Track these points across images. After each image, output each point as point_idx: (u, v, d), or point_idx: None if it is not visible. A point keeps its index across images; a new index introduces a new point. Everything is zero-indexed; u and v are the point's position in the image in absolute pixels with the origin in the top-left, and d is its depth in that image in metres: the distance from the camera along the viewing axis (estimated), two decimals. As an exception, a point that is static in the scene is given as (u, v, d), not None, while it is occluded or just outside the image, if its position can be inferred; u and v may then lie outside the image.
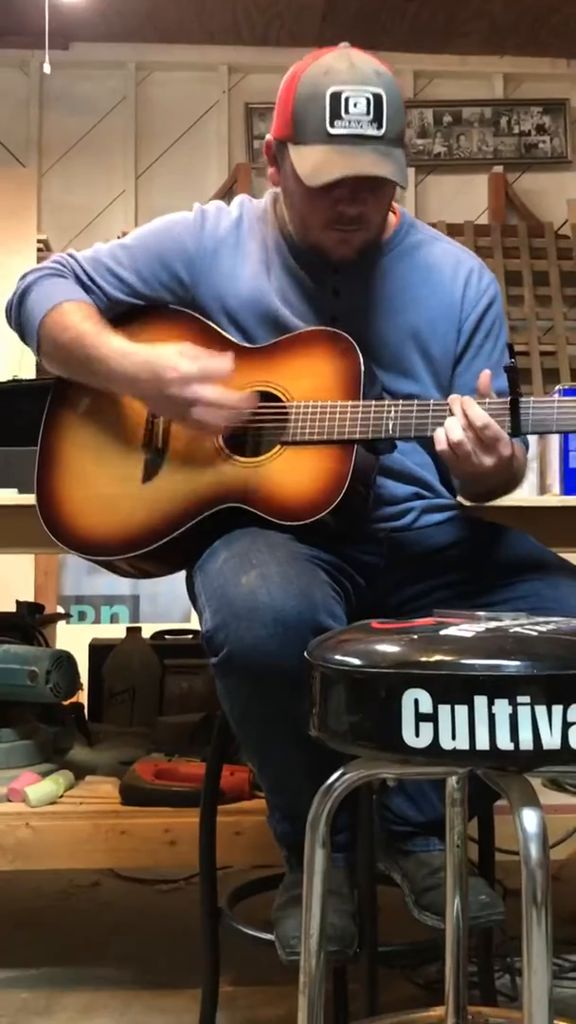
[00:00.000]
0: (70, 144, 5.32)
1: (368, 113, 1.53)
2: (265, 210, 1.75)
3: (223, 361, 1.59)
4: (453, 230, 5.03)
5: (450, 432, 1.49)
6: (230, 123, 5.40)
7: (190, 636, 2.88)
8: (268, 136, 1.65)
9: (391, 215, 1.73)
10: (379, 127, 1.53)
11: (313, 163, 1.54)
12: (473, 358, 1.72)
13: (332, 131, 1.53)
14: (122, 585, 5.27)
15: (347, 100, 1.53)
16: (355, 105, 1.52)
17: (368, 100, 1.53)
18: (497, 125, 5.45)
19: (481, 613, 1.19)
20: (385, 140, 1.54)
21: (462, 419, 1.49)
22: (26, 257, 4.65)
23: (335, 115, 1.53)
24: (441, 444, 1.50)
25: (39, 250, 4.79)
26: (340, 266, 1.67)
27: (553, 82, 5.46)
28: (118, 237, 1.83)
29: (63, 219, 5.13)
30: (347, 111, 1.53)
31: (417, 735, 1.02)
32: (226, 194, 4.95)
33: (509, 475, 1.61)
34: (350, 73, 1.54)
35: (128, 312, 1.74)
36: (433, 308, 1.71)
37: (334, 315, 1.68)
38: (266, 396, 1.62)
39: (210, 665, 1.44)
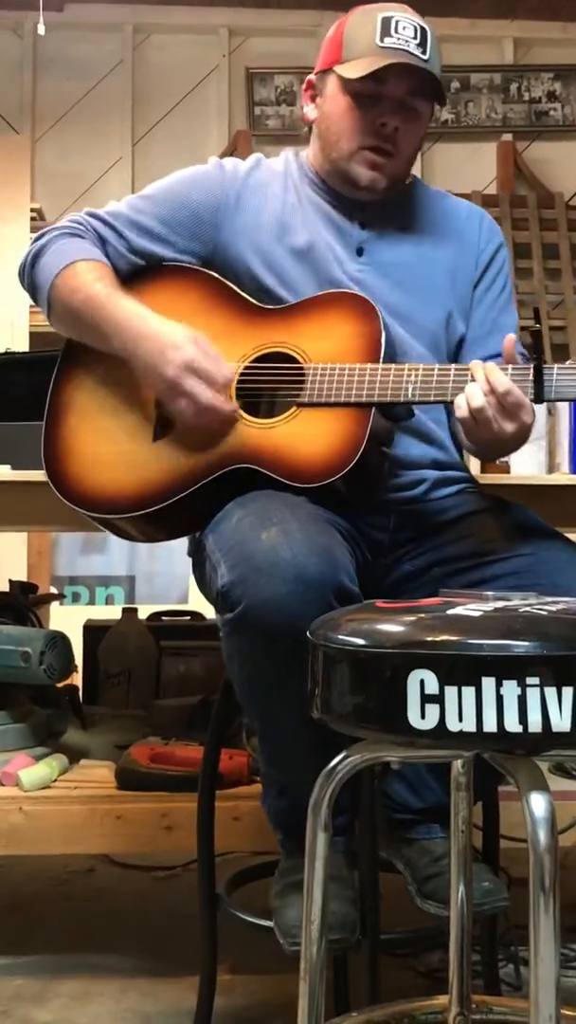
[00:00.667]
0: (65, 109, 5.28)
1: (416, 38, 1.66)
2: (287, 160, 1.81)
3: (223, 369, 1.60)
4: (460, 200, 4.99)
5: (472, 399, 1.50)
6: (230, 88, 5.36)
7: (187, 617, 2.88)
8: (309, 76, 1.75)
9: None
10: (424, 53, 1.66)
11: (361, 65, 1.65)
12: (486, 290, 1.78)
13: (381, 44, 1.65)
14: (117, 565, 5.28)
15: (397, 23, 1.66)
16: (404, 28, 1.66)
17: (416, 28, 1.66)
18: (507, 91, 5.41)
19: (489, 593, 1.19)
20: (429, 66, 1.66)
21: (484, 384, 1.49)
22: (19, 226, 4.61)
23: (385, 32, 1.65)
24: (462, 411, 1.51)
25: (32, 219, 4.77)
26: (368, 197, 1.71)
27: (565, 47, 5.42)
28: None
29: (57, 187, 5.10)
30: (396, 31, 1.65)
31: (423, 717, 1.02)
32: (226, 162, 4.92)
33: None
34: (399, 8, 1.69)
35: (142, 271, 1.74)
36: (457, 241, 1.78)
37: (360, 245, 1.73)
38: (283, 357, 1.63)
39: (222, 623, 1.43)
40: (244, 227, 1.72)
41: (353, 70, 1.65)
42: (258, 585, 1.37)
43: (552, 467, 2.22)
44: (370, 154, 1.68)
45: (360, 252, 1.72)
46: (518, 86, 5.42)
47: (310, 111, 1.76)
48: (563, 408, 2.21)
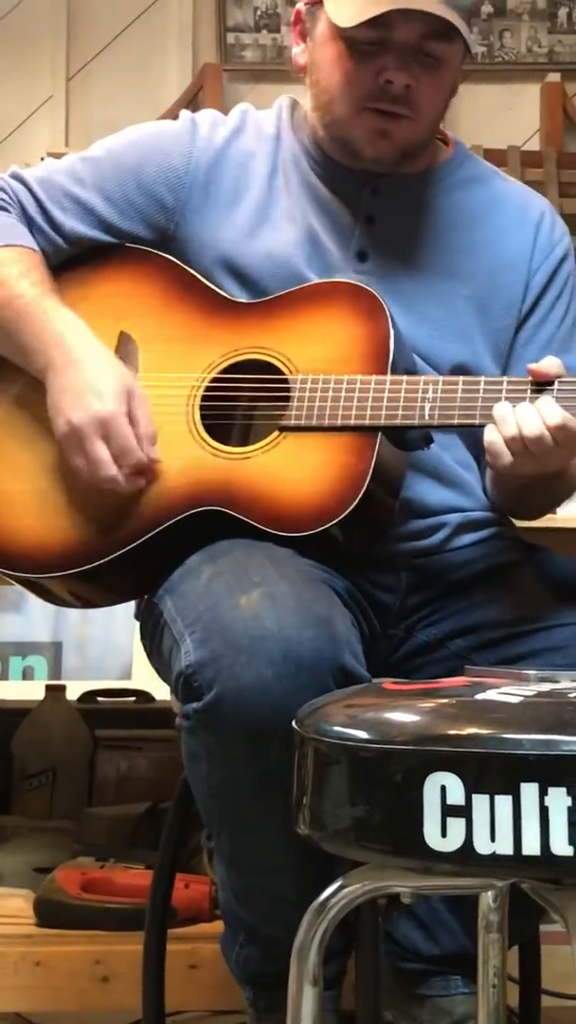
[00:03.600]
0: (-21, 33, 5.33)
1: None
2: (279, 117, 1.79)
3: (148, 448, 1.60)
4: (493, 158, 5.03)
5: (525, 424, 1.48)
6: (196, 8, 5.41)
7: (131, 698, 2.88)
8: (299, 5, 1.71)
9: (443, 143, 1.79)
10: None
11: (355, 7, 1.58)
12: (540, 324, 1.76)
13: None
14: (39, 628, 5.25)
15: None
16: None
17: None
18: (553, 19, 5.48)
19: (531, 672, 1.20)
20: (449, 6, 1.58)
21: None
22: None
23: None
24: (510, 427, 1.49)
25: None
26: (376, 169, 1.69)
27: (628, -37, 5.52)
28: (41, 159, 1.84)
29: (-33, 133, 5.15)
30: None
31: (444, 835, 1.02)
32: (190, 103, 4.97)
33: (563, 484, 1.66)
34: None
35: (82, 256, 1.75)
36: (496, 252, 1.75)
37: (363, 248, 1.72)
38: (262, 367, 1.64)
39: (185, 714, 1.43)
40: (211, 219, 1.72)
41: (343, 12, 1.59)
42: (236, 666, 1.37)
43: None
44: (374, 117, 1.64)
45: (362, 257, 1.71)
46: (569, 11, 5.50)
47: (299, 54, 1.73)
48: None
